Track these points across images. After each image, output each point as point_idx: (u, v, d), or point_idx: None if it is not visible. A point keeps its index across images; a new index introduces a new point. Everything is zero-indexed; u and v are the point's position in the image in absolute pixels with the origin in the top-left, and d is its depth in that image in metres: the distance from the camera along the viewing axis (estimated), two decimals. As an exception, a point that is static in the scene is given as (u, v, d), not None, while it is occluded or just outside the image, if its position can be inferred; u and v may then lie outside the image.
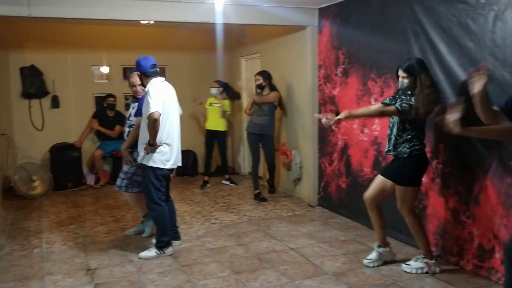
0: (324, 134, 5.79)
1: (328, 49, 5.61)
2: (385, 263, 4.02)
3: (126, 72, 7.88)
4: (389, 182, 3.85)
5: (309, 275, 3.85)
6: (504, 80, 3.42)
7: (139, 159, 4.27)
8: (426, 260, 3.81)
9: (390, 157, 3.95)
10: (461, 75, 3.76)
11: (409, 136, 3.68)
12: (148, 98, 4.09)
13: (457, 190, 3.89)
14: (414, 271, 3.81)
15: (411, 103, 3.57)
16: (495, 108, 2.84)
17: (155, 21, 5.73)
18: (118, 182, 4.71)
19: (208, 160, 7.30)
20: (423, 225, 3.86)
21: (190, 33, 7.85)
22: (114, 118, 7.52)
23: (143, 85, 4.31)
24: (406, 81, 3.64)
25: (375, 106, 3.96)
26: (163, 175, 4.29)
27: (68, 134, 7.54)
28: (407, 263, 3.89)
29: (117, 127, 7.46)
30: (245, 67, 8.09)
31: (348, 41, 5.23)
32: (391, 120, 3.80)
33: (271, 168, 6.63)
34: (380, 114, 3.79)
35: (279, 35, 6.60)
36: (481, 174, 3.66)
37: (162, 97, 4.13)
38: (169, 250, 4.35)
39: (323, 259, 4.19)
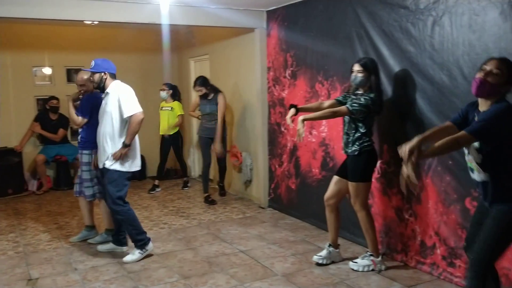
0: (274, 135, 5.83)
1: (276, 51, 5.66)
2: (332, 263, 4.09)
3: (71, 74, 7.67)
4: (343, 181, 3.96)
5: (259, 277, 3.86)
6: (442, 83, 3.55)
7: (108, 165, 4.11)
8: (372, 258, 3.90)
9: (340, 156, 4.02)
10: (403, 78, 3.88)
11: (358, 134, 3.78)
12: (122, 98, 4.08)
13: (400, 189, 4.01)
14: (361, 268, 3.89)
15: (361, 102, 3.67)
16: (447, 123, 2.79)
17: (100, 21, 5.58)
18: (89, 191, 4.58)
19: (162, 165, 7.19)
20: (374, 222, 3.96)
21: (136, 34, 7.71)
22: (57, 121, 7.26)
23: (102, 86, 4.23)
24: (360, 75, 3.74)
25: (328, 103, 3.97)
26: (130, 178, 4.28)
27: (8, 138, 7.19)
28: (354, 261, 3.97)
29: (61, 131, 7.22)
30: (194, 69, 8.03)
31: (295, 43, 5.29)
32: (344, 119, 3.90)
33: (222, 169, 6.56)
34: (333, 114, 3.73)
35: (228, 37, 6.59)
36: (422, 173, 3.79)
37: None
38: (150, 246, 4.32)
39: (272, 260, 4.21)
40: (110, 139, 4.11)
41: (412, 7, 3.77)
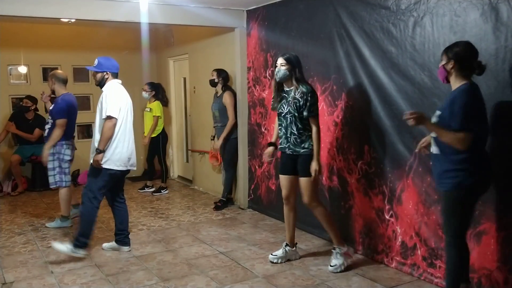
0: (254, 136, 5.79)
1: (256, 51, 5.62)
2: (288, 260, 4.15)
3: (47, 72, 7.50)
4: (291, 177, 4.02)
5: (239, 279, 3.81)
6: (423, 84, 3.56)
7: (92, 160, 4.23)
8: (342, 251, 3.92)
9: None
10: (384, 78, 3.89)
11: (310, 133, 3.85)
12: (105, 99, 4.15)
13: (381, 190, 4.02)
14: (340, 269, 3.88)
15: (311, 102, 3.77)
16: None
17: (77, 19, 5.47)
18: (50, 179, 5.09)
19: (161, 165, 6.99)
20: (331, 214, 4.00)
21: (115, 32, 7.59)
22: (33, 121, 7.10)
23: (102, 84, 4.28)
24: (283, 68, 3.82)
25: (314, 130, 3.85)
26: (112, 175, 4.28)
27: (-19, 139, 7.02)
28: (331, 264, 3.93)
29: (37, 131, 7.04)
30: (173, 68, 7.95)
31: (276, 43, 5.26)
32: (285, 119, 3.89)
33: (227, 180, 6.02)
34: (318, 135, 3.82)
35: (207, 36, 6.54)
36: (403, 174, 3.79)
37: (121, 102, 4.21)
38: (82, 252, 4.24)
39: (253, 262, 4.17)
40: (99, 135, 4.19)
41: (393, 7, 3.77)
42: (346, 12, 4.24)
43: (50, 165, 5.05)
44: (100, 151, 4.09)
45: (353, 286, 3.65)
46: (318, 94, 4.61)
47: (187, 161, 7.81)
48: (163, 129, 6.98)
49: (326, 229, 3.99)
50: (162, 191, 6.96)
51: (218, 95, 5.93)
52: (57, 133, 4.99)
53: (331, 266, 3.93)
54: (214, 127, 6.08)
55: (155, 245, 4.64)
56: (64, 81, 5.21)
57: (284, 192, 4.11)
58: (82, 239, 4.20)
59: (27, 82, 7.46)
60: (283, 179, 4.08)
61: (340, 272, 3.87)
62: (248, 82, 5.82)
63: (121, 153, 4.21)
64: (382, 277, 3.79)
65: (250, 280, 3.79)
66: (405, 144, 3.75)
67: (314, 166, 3.80)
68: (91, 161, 4.18)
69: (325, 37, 4.51)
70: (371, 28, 3.99)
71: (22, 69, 7.42)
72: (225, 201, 6.05)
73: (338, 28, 4.35)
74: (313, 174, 3.80)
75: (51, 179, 5.08)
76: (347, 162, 4.35)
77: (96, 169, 4.17)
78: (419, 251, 3.72)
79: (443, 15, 3.39)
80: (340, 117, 4.40)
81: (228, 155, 5.96)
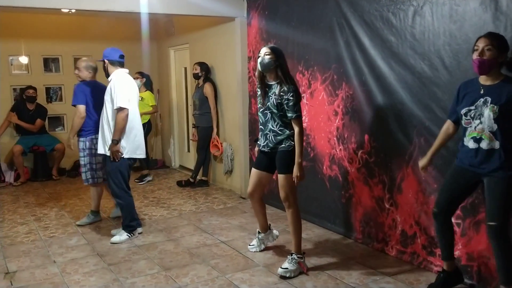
0: (255, 125, 5.80)
1: (257, 41, 5.61)
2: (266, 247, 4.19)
3: (48, 63, 7.54)
4: (263, 174, 3.89)
5: (240, 267, 3.85)
6: (423, 73, 3.56)
7: (103, 151, 4.37)
8: (299, 260, 3.70)
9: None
10: (384, 67, 3.88)
11: (292, 131, 3.64)
12: (114, 89, 4.24)
13: (381, 179, 4.03)
14: (293, 274, 3.62)
15: (293, 103, 3.54)
16: (448, 124, 3.18)
17: (77, 10, 5.46)
18: (83, 176, 4.83)
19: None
20: (301, 218, 3.83)
21: (115, 22, 7.57)
22: (34, 111, 7.12)
23: (106, 73, 4.43)
24: (268, 57, 3.60)
25: (296, 131, 3.61)
26: (131, 164, 4.52)
27: (-17, 129, 7.04)
28: (283, 267, 3.66)
29: (38, 121, 7.08)
30: (174, 58, 7.94)
31: (276, 33, 5.25)
32: (264, 115, 3.74)
33: (198, 162, 6.66)
34: (300, 136, 3.58)
35: (208, 26, 6.52)
36: (403, 163, 3.81)
37: (130, 91, 4.34)
38: (138, 231, 4.60)
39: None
40: (107, 126, 4.31)
41: (393, -4, 3.77)
42: (346, 2, 4.22)
43: (81, 162, 4.78)
44: (117, 141, 4.23)
45: (353, 274, 3.68)
46: (318, 84, 4.63)
47: (188, 150, 7.83)
48: (149, 119, 7.13)
49: (292, 232, 3.74)
50: (144, 179, 7.09)
51: (199, 85, 6.48)
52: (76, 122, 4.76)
53: (282, 268, 3.66)
54: (193, 115, 6.64)
55: (156, 235, 4.68)
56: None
57: (249, 189, 3.97)
58: (132, 223, 4.53)
59: (28, 72, 7.46)
60: (253, 174, 3.92)
61: (289, 277, 3.60)
62: (249, 72, 5.82)
63: (139, 141, 4.45)
64: (382, 265, 3.81)
65: (251, 269, 3.82)
66: (405, 133, 3.76)
67: (295, 172, 3.56)
68: (107, 153, 4.30)
69: (325, 26, 4.50)
70: (371, 17, 3.98)
71: (23, 59, 7.42)
72: (192, 183, 6.63)
73: (338, 18, 4.34)
74: (295, 181, 3.58)
75: (83, 176, 4.83)
76: (347, 152, 4.36)
77: (116, 161, 4.29)
78: (419, 240, 3.74)
79: (442, 4, 3.38)
80: (340, 107, 4.41)
81: (201, 140, 6.53)
